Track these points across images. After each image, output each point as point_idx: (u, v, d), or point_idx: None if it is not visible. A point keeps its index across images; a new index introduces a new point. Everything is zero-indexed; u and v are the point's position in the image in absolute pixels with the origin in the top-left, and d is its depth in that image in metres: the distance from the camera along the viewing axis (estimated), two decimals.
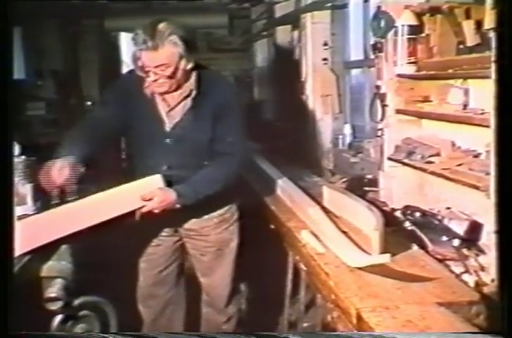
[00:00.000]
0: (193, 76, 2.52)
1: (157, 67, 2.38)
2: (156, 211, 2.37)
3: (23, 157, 2.62)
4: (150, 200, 2.35)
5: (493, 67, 1.82)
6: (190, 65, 2.45)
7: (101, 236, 2.40)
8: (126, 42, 8.01)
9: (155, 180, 2.41)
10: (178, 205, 2.43)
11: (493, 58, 1.83)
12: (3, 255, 1.72)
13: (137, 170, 2.60)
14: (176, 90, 2.51)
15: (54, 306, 2.02)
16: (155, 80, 2.43)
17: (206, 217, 2.70)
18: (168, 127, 2.56)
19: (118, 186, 2.37)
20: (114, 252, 2.85)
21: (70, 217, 2.24)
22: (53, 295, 2.02)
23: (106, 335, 2.03)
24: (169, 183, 2.43)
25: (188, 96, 2.52)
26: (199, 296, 2.92)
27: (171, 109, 2.55)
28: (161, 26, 2.35)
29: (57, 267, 2.10)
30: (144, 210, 2.35)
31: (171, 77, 2.41)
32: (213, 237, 2.74)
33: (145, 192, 2.34)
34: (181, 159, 2.54)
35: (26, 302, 2.13)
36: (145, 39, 2.33)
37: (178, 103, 2.54)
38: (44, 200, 2.35)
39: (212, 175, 2.53)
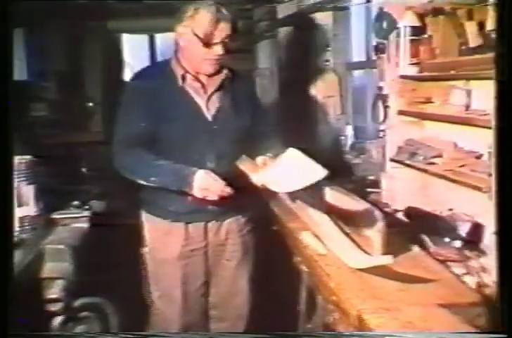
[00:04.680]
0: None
1: (226, 37, 2.41)
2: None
3: (26, 157, 2.63)
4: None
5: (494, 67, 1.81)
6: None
7: (101, 237, 2.40)
8: (128, 43, 8.01)
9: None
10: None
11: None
12: (3, 256, 1.72)
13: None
14: (218, 72, 2.53)
15: (55, 307, 2.03)
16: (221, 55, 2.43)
17: (230, 220, 2.69)
18: (209, 114, 2.52)
19: None
20: (114, 253, 2.84)
21: None
22: (53, 296, 2.02)
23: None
24: None
25: (225, 79, 2.54)
26: None
27: (212, 94, 2.53)
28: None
29: (58, 268, 2.10)
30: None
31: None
32: (239, 240, 2.73)
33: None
34: (228, 146, 2.50)
35: (27, 303, 2.14)
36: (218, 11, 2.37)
37: (217, 88, 2.54)
38: (46, 201, 2.35)
39: None
